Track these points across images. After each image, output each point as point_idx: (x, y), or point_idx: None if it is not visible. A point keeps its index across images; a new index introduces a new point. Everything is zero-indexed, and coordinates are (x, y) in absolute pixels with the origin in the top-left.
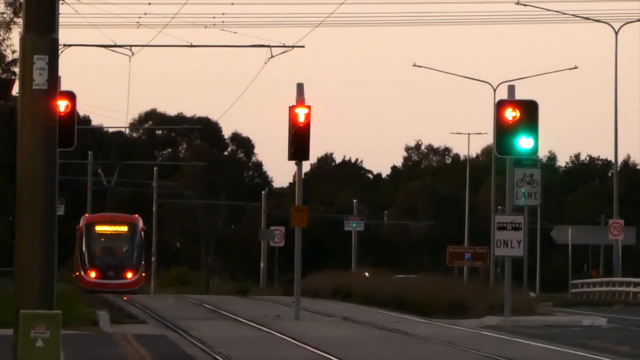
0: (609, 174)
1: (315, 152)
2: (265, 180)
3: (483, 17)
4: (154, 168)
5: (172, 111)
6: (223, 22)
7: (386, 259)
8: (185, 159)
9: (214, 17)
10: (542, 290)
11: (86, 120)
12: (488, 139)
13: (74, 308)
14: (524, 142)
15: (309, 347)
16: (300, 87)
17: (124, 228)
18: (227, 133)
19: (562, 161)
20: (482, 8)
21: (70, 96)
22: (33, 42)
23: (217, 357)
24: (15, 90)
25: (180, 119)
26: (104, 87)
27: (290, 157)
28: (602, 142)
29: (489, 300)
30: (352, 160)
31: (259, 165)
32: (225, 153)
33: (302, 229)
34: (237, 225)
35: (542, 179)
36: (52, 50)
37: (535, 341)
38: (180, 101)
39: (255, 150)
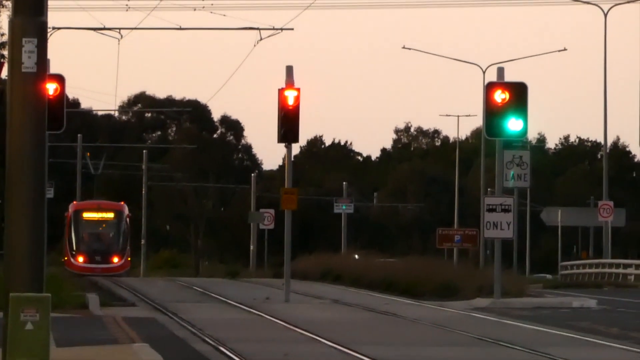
0: (599, 156)
1: (305, 134)
2: (254, 162)
3: None
4: (144, 151)
5: (161, 94)
6: (212, 4)
7: (376, 241)
8: (174, 141)
9: (203, 0)
10: (532, 271)
11: (75, 103)
12: (477, 121)
13: (63, 291)
14: (513, 124)
15: (298, 330)
16: (289, 70)
17: (110, 215)
18: (216, 116)
19: (552, 143)
20: None
21: (60, 79)
22: (22, 24)
23: (207, 339)
24: (4, 73)
25: (169, 101)
26: (93, 70)
27: (280, 140)
28: (591, 123)
29: (479, 282)
30: (342, 143)
31: (248, 148)
32: (215, 136)
33: (292, 212)
34: (226, 208)
35: (532, 161)
36: (41, 33)
37: (525, 323)
38: (169, 84)
39: (245, 133)
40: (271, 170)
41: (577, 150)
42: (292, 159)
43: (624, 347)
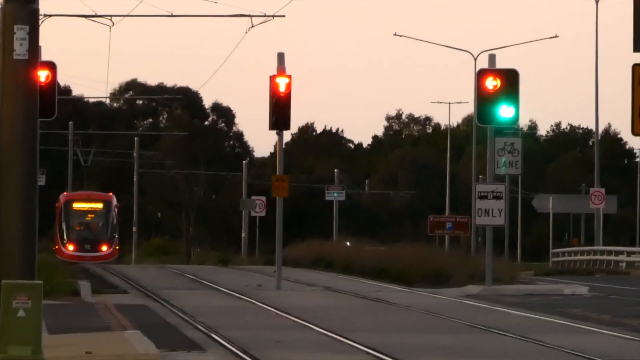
0: (590, 143)
1: (296, 121)
2: (246, 150)
3: None
4: (135, 138)
5: (152, 81)
6: None
7: (367, 228)
8: (165, 129)
9: None
10: (523, 259)
11: (67, 91)
12: (469, 108)
13: (55, 278)
14: (504, 111)
15: (290, 317)
16: (281, 57)
17: (99, 205)
18: (207, 103)
19: (543, 130)
20: None
21: (51, 66)
22: (13, 12)
23: (199, 326)
24: None
25: (160, 89)
26: (84, 57)
27: (271, 127)
28: (582, 111)
29: (470, 269)
30: (333, 130)
31: (239, 135)
32: (206, 123)
33: (283, 199)
34: (218, 195)
35: (523, 148)
36: (32, 20)
37: (516, 310)
38: (160, 71)
39: (236, 120)
40: (262, 158)
41: (568, 137)
42: (284, 146)
43: (616, 333)
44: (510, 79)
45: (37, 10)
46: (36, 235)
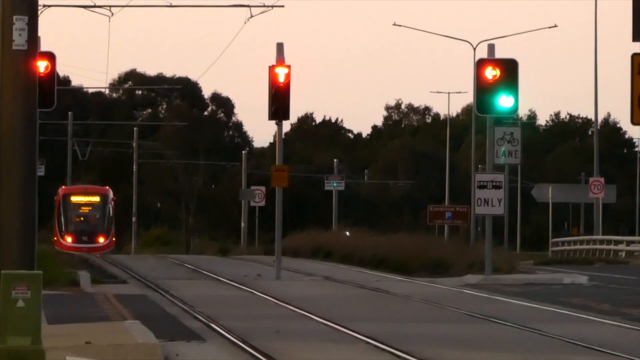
0: (589, 132)
1: (296, 111)
2: (245, 140)
3: None
4: (134, 128)
5: (151, 71)
6: None
7: (366, 218)
8: (165, 119)
9: None
10: (523, 248)
11: (66, 81)
12: (468, 98)
13: (54, 268)
14: (504, 101)
15: (290, 306)
16: (280, 47)
17: (97, 198)
18: (207, 93)
19: (542, 120)
20: None
21: (50, 57)
22: (13, 2)
23: (198, 316)
24: None
25: (160, 79)
26: (83, 48)
27: (271, 117)
28: (582, 100)
29: (470, 258)
30: (333, 120)
31: (239, 125)
32: (205, 113)
33: (283, 189)
34: (217, 185)
35: (523, 138)
36: (31, 11)
37: (516, 299)
38: (160, 61)
39: (235, 110)
40: (262, 148)
41: (567, 126)
42: (283, 136)
43: (616, 323)
44: (510, 68)
45: (36, 1)
46: (36, 225)
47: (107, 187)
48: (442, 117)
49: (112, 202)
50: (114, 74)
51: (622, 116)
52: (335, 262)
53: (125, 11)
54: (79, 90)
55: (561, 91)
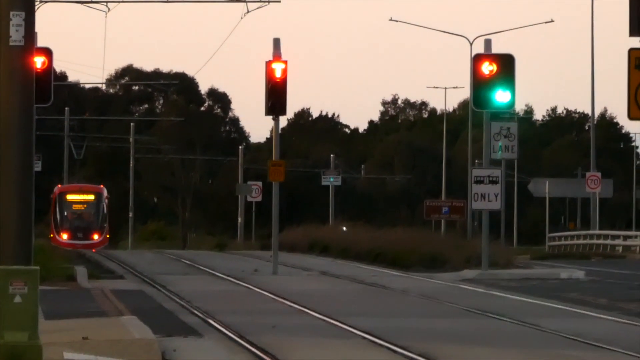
0: (586, 127)
1: (292, 106)
2: (242, 135)
3: None
4: (131, 123)
5: (148, 67)
6: None
7: (363, 212)
8: (161, 114)
9: None
10: (519, 243)
11: (63, 76)
12: (465, 93)
13: (51, 264)
14: (500, 96)
15: (287, 302)
16: (276, 42)
17: (91, 197)
18: (203, 88)
19: (539, 114)
20: None
21: (47, 52)
22: None
23: (195, 311)
24: None
25: (156, 74)
26: (80, 43)
27: (267, 112)
28: (578, 95)
29: (467, 253)
30: (329, 115)
31: (235, 120)
32: (202, 108)
33: (280, 184)
34: (214, 180)
35: (519, 132)
36: (28, 6)
37: (513, 294)
38: (156, 57)
39: (232, 106)
40: (258, 143)
41: (564, 121)
42: (280, 131)
43: (613, 318)
44: (506, 63)
45: None
46: (32, 221)
47: (102, 186)
48: (438, 112)
49: (106, 200)
50: (111, 69)
51: (618, 111)
52: (332, 257)
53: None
54: (76, 86)
55: (558, 86)
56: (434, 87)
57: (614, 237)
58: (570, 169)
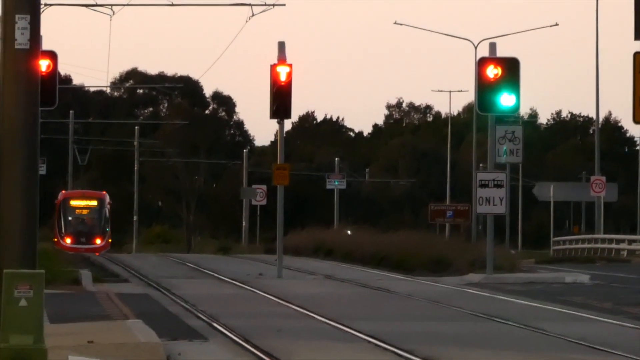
0: (591, 131)
1: (297, 110)
2: (246, 138)
3: None
4: (135, 127)
5: (153, 70)
6: None
7: (368, 216)
8: (166, 117)
9: None
10: (524, 246)
11: (67, 80)
12: (469, 97)
13: (56, 267)
14: (505, 100)
15: (291, 305)
16: (281, 46)
17: (94, 203)
18: (208, 92)
19: (544, 118)
20: None
21: (52, 56)
22: (15, 1)
23: (200, 315)
24: None
25: (161, 77)
26: (85, 47)
27: (272, 116)
28: (583, 98)
29: (471, 257)
30: (334, 119)
31: (240, 124)
32: (207, 112)
33: (284, 187)
34: (218, 183)
35: (524, 136)
36: (33, 10)
37: (517, 298)
38: (161, 60)
39: (237, 109)
40: (263, 146)
41: (568, 125)
42: (284, 135)
43: (618, 322)
44: (511, 67)
45: (38, 0)
46: (37, 224)
47: (104, 192)
48: (443, 115)
49: (109, 206)
50: (115, 72)
51: (623, 114)
52: (336, 261)
53: (127, 10)
54: (80, 89)
55: (562, 89)
56: (439, 91)
57: (618, 241)
58: (574, 173)
